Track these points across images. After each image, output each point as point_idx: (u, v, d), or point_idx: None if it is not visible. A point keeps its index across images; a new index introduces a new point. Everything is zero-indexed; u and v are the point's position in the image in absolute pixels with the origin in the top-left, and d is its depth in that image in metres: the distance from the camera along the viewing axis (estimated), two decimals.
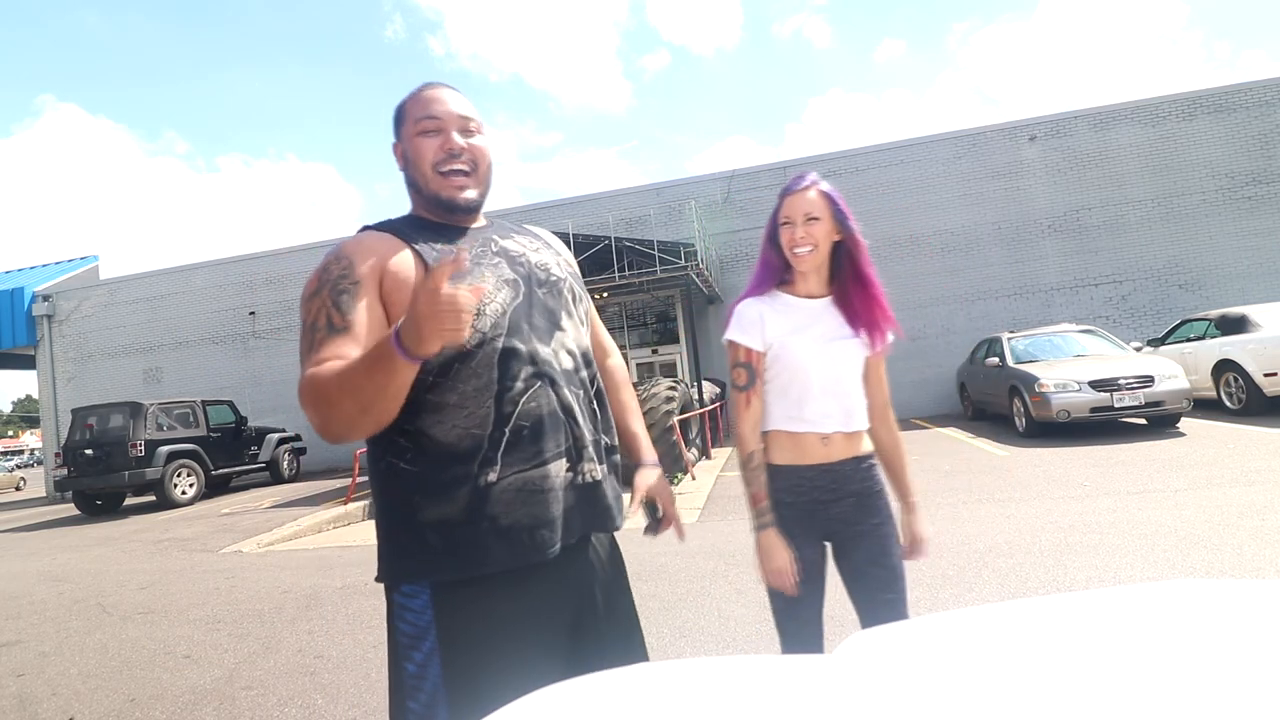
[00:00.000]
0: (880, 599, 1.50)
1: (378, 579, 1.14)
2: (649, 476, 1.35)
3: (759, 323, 1.56)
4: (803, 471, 1.53)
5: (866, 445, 1.58)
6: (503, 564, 1.08)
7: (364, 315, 1.07)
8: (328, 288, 1.09)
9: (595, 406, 1.24)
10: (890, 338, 1.59)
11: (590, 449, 1.18)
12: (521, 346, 1.13)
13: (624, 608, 1.27)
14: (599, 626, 1.20)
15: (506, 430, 1.09)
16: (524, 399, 1.11)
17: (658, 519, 1.36)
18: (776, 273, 1.60)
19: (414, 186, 1.22)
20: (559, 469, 1.13)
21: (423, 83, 1.25)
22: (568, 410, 1.16)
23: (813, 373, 1.52)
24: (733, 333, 1.58)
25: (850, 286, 1.55)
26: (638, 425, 1.43)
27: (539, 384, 1.13)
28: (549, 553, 1.10)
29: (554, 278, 1.24)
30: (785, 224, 1.52)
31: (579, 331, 1.25)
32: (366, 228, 1.22)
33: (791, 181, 1.56)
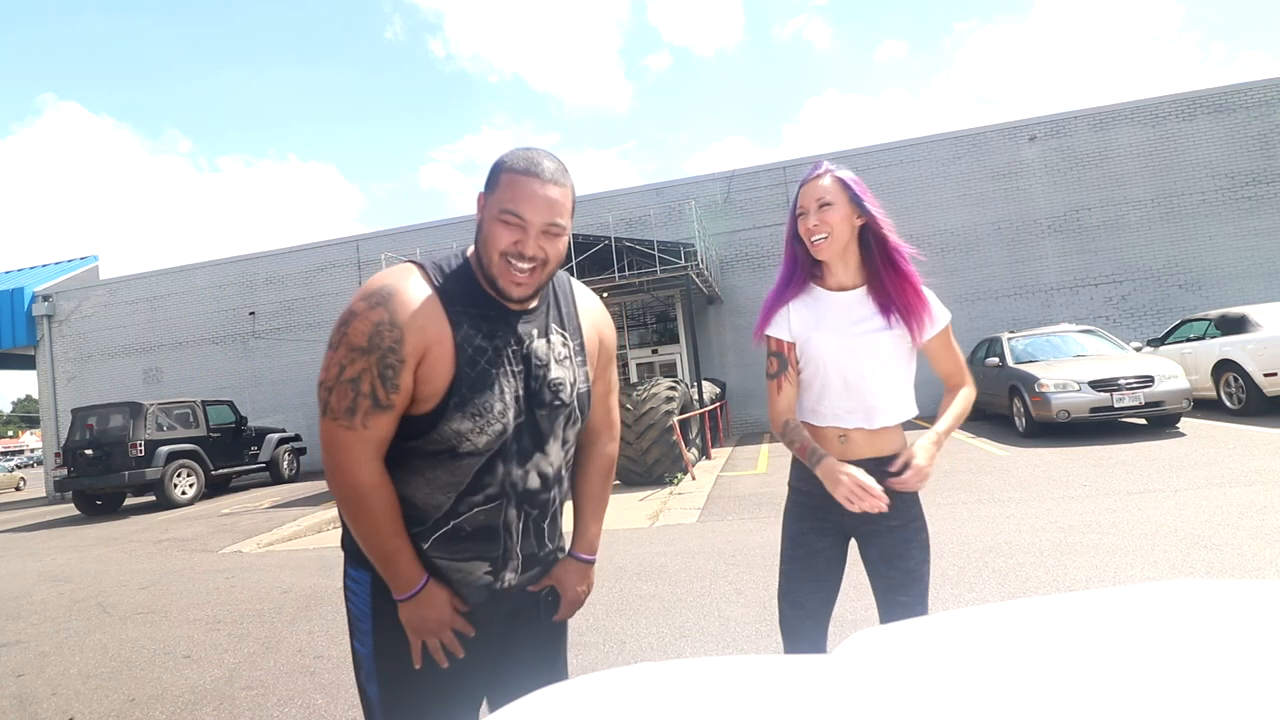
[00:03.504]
0: (892, 599, 1.49)
1: (341, 545, 1.30)
2: (568, 569, 1.35)
3: (786, 316, 1.56)
4: None
5: (893, 445, 1.51)
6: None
7: (402, 393, 1.15)
8: (377, 355, 1.12)
9: (546, 524, 1.30)
10: (936, 321, 1.52)
11: (517, 561, 1.26)
12: (500, 467, 1.21)
13: (546, 664, 1.35)
14: (516, 671, 1.30)
15: (449, 525, 1.20)
16: (475, 509, 1.21)
17: (552, 610, 1.33)
18: (801, 266, 1.55)
19: (478, 252, 1.19)
20: (475, 569, 1.23)
21: (530, 157, 1.14)
22: (508, 528, 1.24)
23: (832, 369, 1.49)
24: (763, 325, 1.59)
25: (882, 273, 1.49)
26: (593, 519, 1.41)
27: (497, 503, 1.22)
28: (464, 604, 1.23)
29: (559, 401, 1.25)
30: (801, 214, 1.49)
31: (560, 453, 1.29)
32: (420, 267, 1.19)
33: (808, 171, 1.52)
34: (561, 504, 1.34)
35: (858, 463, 1.47)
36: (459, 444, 1.17)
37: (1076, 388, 7.48)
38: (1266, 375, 7.63)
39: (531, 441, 1.23)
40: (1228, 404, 8.21)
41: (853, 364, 1.48)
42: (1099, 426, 8.01)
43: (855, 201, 1.47)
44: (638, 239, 11.53)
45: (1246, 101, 12.42)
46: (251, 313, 16.41)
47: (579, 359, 1.31)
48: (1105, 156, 12.81)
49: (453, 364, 1.15)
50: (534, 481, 1.24)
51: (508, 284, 1.17)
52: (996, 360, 9.18)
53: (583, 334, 1.33)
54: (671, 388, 8.47)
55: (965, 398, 1.58)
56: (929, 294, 1.53)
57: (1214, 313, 8.93)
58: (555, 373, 1.25)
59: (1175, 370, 7.51)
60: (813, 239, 1.47)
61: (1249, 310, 8.32)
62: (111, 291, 17.32)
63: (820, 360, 1.50)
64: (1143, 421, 8.02)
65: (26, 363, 18.90)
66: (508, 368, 1.20)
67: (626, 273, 11.02)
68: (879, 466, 1.47)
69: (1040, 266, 12.90)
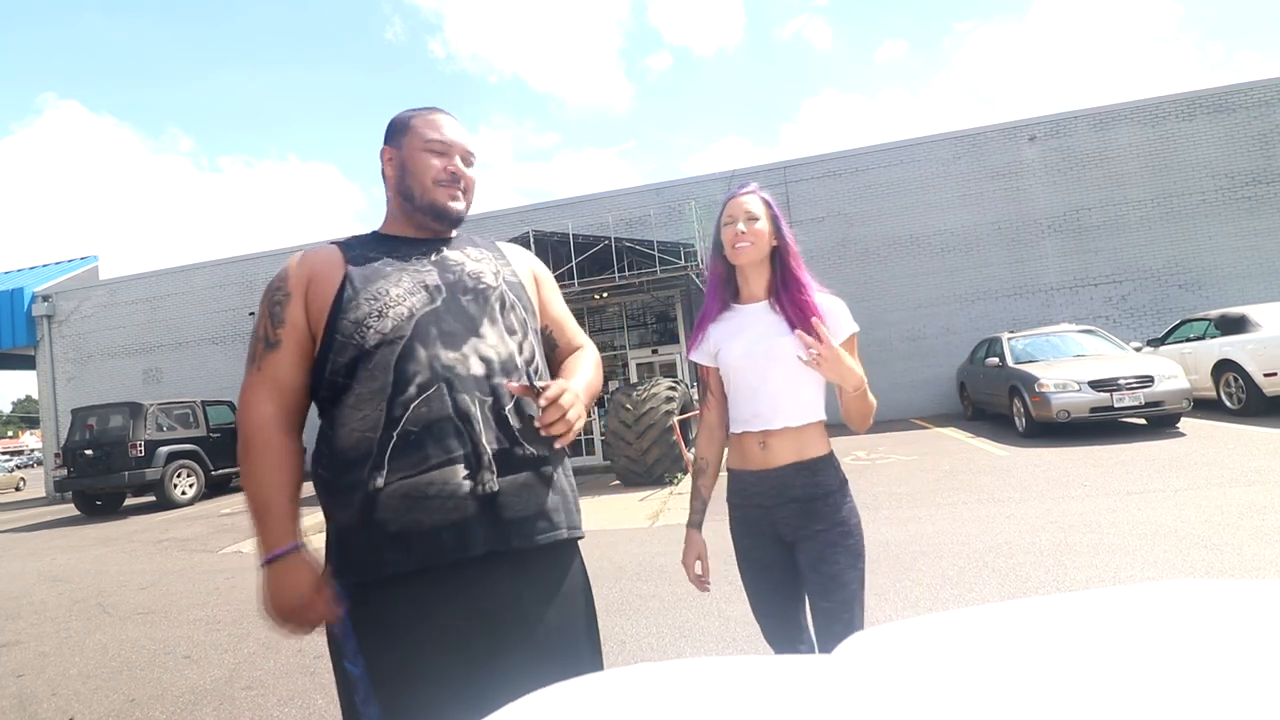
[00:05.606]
0: (819, 605, 1.50)
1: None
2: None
3: (705, 339, 1.65)
4: (744, 477, 1.58)
5: (816, 449, 1.52)
6: (397, 568, 1.09)
7: (289, 328, 1.19)
8: (268, 300, 1.22)
9: (509, 416, 1.17)
10: (835, 335, 1.48)
11: (489, 458, 1.13)
12: (422, 351, 1.14)
13: (566, 625, 1.20)
14: (526, 642, 1.14)
15: (394, 434, 1.10)
16: (415, 403, 1.11)
17: (536, 390, 1.18)
18: (722, 280, 1.65)
19: (405, 194, 1.28)
20: (451, 475, 1.10)
21: (430, 105, 1.33)
22: (464, 417, 1.12)
23: (740, 374, 1.56)
24: (690, 350, 1.69)
25: (787, 288, 1.57)
26: (579, 370, 1.36)
27: (434, 389, 1.12)
28: (446, 558, 1.09)
29: (482, 285, 1.25)
30: (729, 222, 1.58)
31: (503, 340, 1.22)
32: (334, 243, 1.29)
33: (736, 188, 1.63)
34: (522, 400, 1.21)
35: (782, 468, 1.52)
36: (364, 336, 1.13)
37: (1076, 388, 7.48)
38: (1266, 375, 7.63)
39: (461, 325, 1.19)
40: (1228, 404, 8.21)
41: (756, 367, 1.54)
42: (1099, 426, 8.00)
43: (775, 222, 1.58)
44: (637, 239, 11.52)
45: (1246, 101, 12.41)
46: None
47: (501, 260, 1.35)
48: (1105, 156, 12.80)
49: (342, 274, 1.20)
50: (475, 366, 1.16)
51: (446, 200, 1.27)
52: (996, 360, 9.18)
53: (507, 258, 1.37)
54: (671, 388, 8.47)
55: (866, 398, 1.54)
56: (835, 305, 1.55)
57: (1214, 313, 8.93)
58: (472, 266, 1.28)
59: (1175, 370, 7.50)
60: (736, 245, 1.56)
61: (1249, 310, 8.32)
62: (111, 292, 17.31)
63: (729, 367, 1.58)
64: (1143, 421, 8.02)
65: (26, 363, 18.89)
66: (410, 266, 1.23)
67: (626, 273, 11.01)
68: (801, 470, 1.51)
69: (1040, 266, 12.89)
